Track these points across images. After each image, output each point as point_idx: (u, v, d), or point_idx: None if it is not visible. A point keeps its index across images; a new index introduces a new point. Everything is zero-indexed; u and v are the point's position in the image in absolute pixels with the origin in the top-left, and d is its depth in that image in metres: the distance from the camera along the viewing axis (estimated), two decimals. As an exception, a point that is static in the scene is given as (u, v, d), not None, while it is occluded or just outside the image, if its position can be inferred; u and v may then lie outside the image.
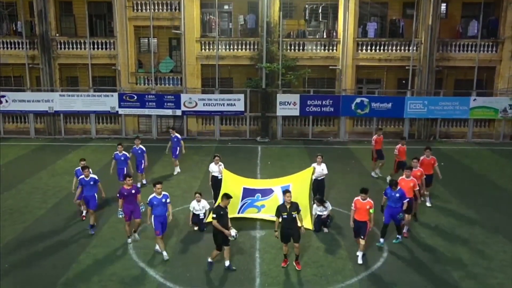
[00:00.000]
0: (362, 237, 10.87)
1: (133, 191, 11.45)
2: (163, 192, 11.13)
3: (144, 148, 16.49)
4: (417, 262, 11.04)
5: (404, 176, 12.43)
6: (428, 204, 14.62)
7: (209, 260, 10.54)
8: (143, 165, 16.49)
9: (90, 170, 12.80)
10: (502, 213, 14.13)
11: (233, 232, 10.31)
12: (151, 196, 11.06)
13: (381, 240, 11.69)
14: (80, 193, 12.55)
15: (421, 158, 14.08)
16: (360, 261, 10.89)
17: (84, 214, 13.37)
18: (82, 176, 12.54)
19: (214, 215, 10.23)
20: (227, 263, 10.59)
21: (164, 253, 11.04)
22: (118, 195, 11.42)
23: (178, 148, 18.12)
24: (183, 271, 10.56)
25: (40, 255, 11.37)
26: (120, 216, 11.47)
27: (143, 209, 11.61)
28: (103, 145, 23.92)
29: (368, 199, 10.83)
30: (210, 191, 14.23)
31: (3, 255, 11.36)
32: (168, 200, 11.17)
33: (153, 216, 10.94)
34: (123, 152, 15.52)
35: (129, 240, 11.80)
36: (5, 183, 16.96)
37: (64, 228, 12.78)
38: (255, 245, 11.88)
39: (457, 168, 19.97)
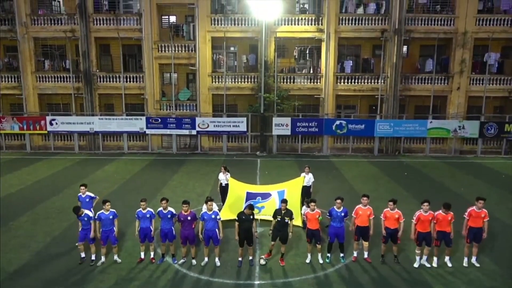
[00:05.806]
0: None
1: (189, 218, 9.93)
2: (214, 210, 10.01)
3: (92, 195, 11.84)
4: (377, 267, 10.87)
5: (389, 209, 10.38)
6: (476, 264, 10.43)
7: (239, 259, 10.32)
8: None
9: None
10: (454, 211, 14.02)
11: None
12: (202, 212, 10.08)
13: (328, 255, 10.56)
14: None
15: (469, 210, 10.55)
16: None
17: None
18: (161, 208, 10.08)
19: (237, 219, 10.05)
20: (250, 257, 10.39)
21: (194, 261, 10.28)
22: (176, 219, 10.17)
23: (90, 209, 11.17)
24: (197, 261, 10.46)
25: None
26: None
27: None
28: (133, 158, 23.95)
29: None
30: (218, 196, 14.18)
31: (53, 244, 11.34)
32: (218, 217, 9.97)
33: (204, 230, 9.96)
34: (87, 193, 11.69)
35: (181, 261, 10.30)
36: (55, 188, 16.99)
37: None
38: (255, 239, 11.72)
39: (418, 176, 19.98)
